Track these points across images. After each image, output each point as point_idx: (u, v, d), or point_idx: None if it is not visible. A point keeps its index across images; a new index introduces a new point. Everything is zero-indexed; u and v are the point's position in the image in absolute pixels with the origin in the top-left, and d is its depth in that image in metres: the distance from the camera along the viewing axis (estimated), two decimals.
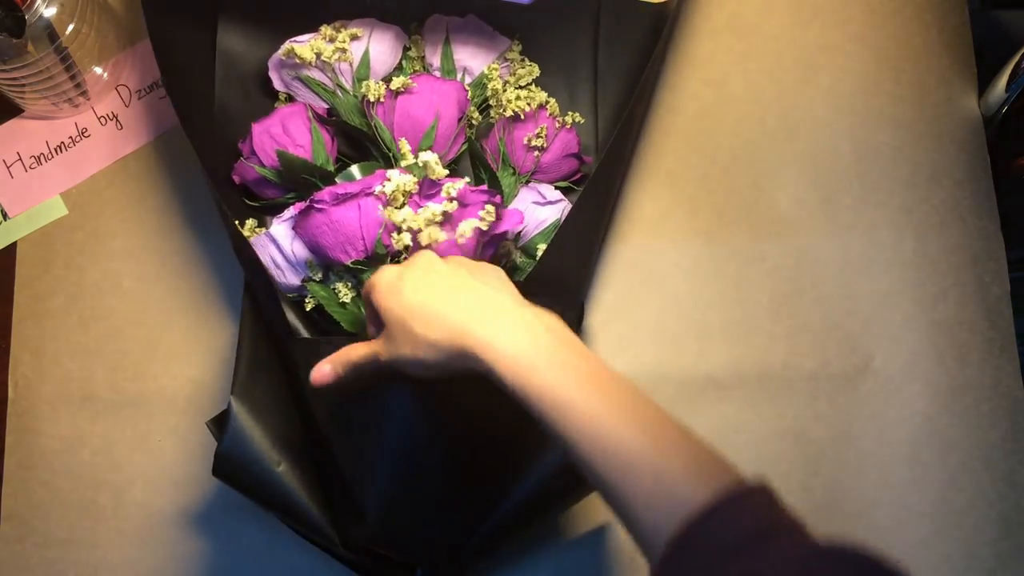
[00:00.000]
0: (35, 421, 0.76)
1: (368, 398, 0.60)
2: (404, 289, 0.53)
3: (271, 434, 0.64)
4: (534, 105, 0.72)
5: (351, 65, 0.72)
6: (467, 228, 0.63)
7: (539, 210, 0.72)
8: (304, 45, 0.71)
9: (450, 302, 0.52)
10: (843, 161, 0.78)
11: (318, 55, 0.70)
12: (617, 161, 0.70)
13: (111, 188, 0.80)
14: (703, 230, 0.77)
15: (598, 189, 0.67)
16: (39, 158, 0.80)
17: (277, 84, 0.73)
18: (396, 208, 0.64)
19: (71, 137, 0.80)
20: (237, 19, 0.75)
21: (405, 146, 0.68)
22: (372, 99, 0.69)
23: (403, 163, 0.67)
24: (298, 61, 0.71)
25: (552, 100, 0.73)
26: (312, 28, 0.72)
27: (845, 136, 0.78)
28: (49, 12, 0.73)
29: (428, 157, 0.65)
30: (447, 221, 0.64)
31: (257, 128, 0.71)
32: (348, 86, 0.72)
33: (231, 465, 0.64)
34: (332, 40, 0.71)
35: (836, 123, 0.78)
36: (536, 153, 0.72)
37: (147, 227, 0.79)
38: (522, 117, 0.71)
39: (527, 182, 0.73)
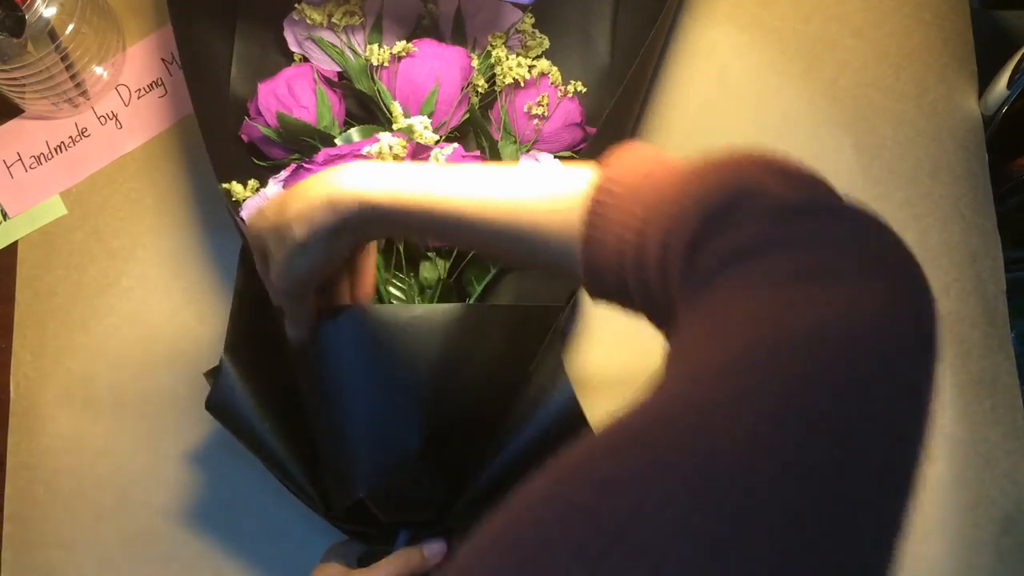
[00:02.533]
0: (37, 421, 0.76)
1: (343, 356, 0.60)
2: (267, 205, 0.54)
3: (257, 393, 0.64)
4: (535, 73, 0.71)
5: (364, 28, 0.72)
6: None
7: None
8: (317, 6, 0.71)
9: (304, 184, 0.52)
10: (844, 155, 0.77)
11: (329, 16, 0.70)
12: (619, 128, 0.69)
13: (111, 188, 0.80)
14: None
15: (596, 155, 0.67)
16: (39, 158, 0.80)
17: (292, 45, 0.74)
18: None
19: (71, 137, 0.81)
20: None
21: (396, 108, 0.68)
22: (376, 63, 0.70)
23: (395, 126, 0.67)
24: (309, 22, 0.71)
25: (555, 69, 0.73)
26: None
27: (846, 130, 0.78)
28: (49, 12, 0.73)
29: (414, 121, 0.65)
30: None
31: (263, 88, 0.71)
32: (360, 49, 0.73)
33: (221, 412, 0.64)
34: (345, 2, 0.72)
35: (837, 117, 0.78)
36: (536, 122, 0.72)
37: (147, 226, 0.79)
38: (522, 84, 0.71)
39: (527, 151, 0.73)
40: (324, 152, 0.65)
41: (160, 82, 0.81)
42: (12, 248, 0.79)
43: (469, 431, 0.63)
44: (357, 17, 0.71)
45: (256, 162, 0.74)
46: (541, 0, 0.75)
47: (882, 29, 0.79)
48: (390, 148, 0.64)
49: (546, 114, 0.71)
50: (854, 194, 0.75)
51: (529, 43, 0.74)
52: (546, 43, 0.75)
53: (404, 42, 0.69)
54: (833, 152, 0.78)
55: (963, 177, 0.76)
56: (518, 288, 0.69)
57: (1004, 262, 0.75)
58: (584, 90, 0.73)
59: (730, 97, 0.79)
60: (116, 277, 0.78)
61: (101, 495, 0.74)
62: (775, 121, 0.78)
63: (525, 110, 0.71)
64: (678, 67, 0.80)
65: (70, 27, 0.75)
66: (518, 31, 0.75)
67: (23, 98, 0.79)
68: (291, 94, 0.71)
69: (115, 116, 0.81)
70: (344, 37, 0.72)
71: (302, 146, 0.71)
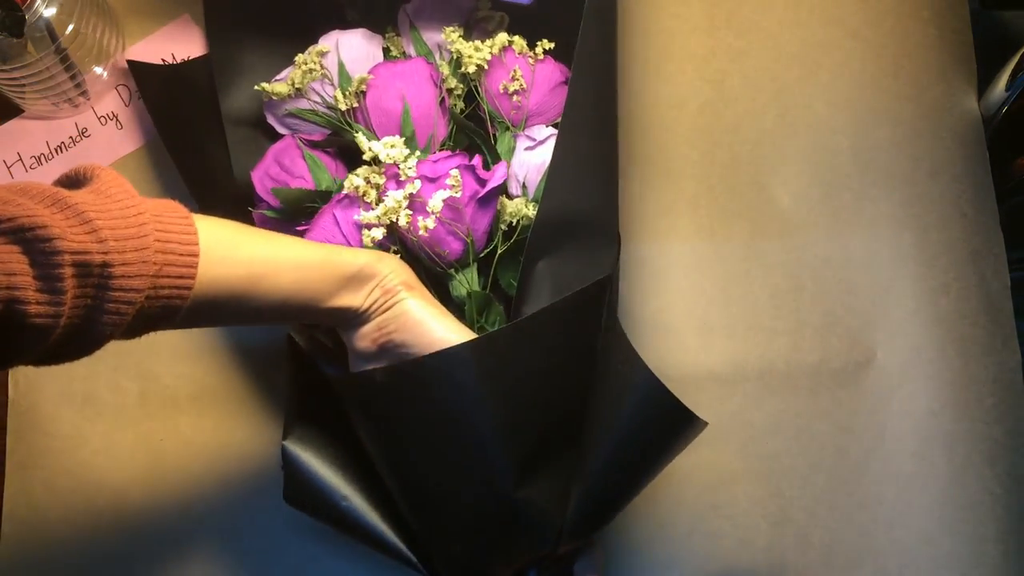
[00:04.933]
0: (37, 420, 0.75)
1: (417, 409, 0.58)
2: None
3: (334, 472, 0.64)
4: (496, 51, 0.68)
5: (332, 82, 0.70)
6: (436, 202, 0.61)
7: (531, 155, 0.67)
8: (276, 82, 0.69)
9: None
10: (842, 157, 0.78)
11: (292, 83, 0.68)
12: (595, 66, 0.64)
13: None
14: (704, 227, 0.77)
15: (579, 100, 0.61)
16: (39, 158, 0.80)
17: (279, 128, 0.71)
18: (374, 202, 0.62)
19: (71, 137, 0.81)
20: (234, 82, 0.73)
21: (361, 140, 0.65)
22: (345, 108, 0.68)
23: (366, 156, 0.65)
24: (275, 98, 0.69)
25: (516, 37, 0.68)
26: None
27: (844, 132, 0.78)
28: (49, 12, 0.73)
29: (373, 146, 0.63)
30: (418, 202, 0.61)
31: (255, 174, 0.69)
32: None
33: (299, 503, 0.64)
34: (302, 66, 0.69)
35: (835, 119, 0.79)
36: (516, 98, 0.68)
37: None
38: (485, 67, 0.67)
39: (521, 131, 0.69)
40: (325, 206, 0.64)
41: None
42: None
43: (558, 446, 0.60)
44: (317, 71, 0.68)
45: None
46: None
47: (880, 28, 0.80)
48: (366, 180, 0.62)
49: (523, 87, 0.68)
50: (849, 197, 0.77)
51: (490, 27, 0.71)
52: (506, 19, 0.71)
53: (359, 75, 0.67)
54: (829, 155, 0.78)
55: (963, 175, 0.77)
56: (550, 269, 0.63)
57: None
58: (552, 46, 0.68)
59: (728, 100, 0.79)
60: None
61: (100, 496, 0.74)
62: (774, 125, 0.79)
63: (502, 91, 0.68)
64: (677, 71, 0.80)
65: (70, 27, 0.75)
66: (480, 20, 0.72)
67: (23, 98, 0.79)
68: (283, 170, 0.68)
69: (115, 116, 0.81)
70: (317, 97, 0.69)
71: (309, 214, 0.67)
